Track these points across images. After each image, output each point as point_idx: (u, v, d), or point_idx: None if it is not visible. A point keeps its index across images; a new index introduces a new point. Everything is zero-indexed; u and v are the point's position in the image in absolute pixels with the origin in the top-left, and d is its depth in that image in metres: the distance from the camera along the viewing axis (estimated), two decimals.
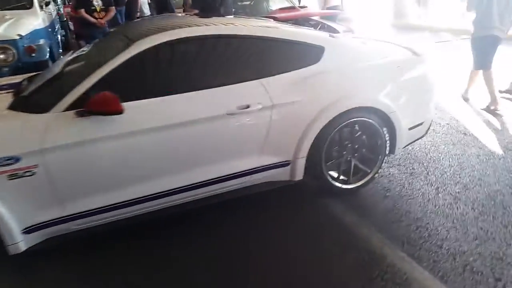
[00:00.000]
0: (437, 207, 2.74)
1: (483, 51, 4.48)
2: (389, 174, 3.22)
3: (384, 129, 2.83)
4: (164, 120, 2.25)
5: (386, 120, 2.81)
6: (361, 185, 2.93)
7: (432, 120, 3.25)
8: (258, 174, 2.62)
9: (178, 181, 2.39)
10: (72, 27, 9.00)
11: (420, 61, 3.02)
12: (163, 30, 2.41)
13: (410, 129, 3.00)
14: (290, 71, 2.59)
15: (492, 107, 4.50)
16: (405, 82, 2.88)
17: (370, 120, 2.76)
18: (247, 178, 2.59)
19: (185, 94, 2.33)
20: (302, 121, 2.59)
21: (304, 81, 2.59)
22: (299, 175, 2.72)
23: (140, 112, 2.22)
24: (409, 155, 3.55)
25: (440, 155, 3.52)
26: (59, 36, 7.51)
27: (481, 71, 4.60)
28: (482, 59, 4.50)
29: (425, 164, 3.36)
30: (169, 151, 2.32)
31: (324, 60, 2.69)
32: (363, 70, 2.78)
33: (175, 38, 2.37)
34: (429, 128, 3.21)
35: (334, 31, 5.12)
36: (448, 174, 3.18)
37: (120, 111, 2.07)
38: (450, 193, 2.89)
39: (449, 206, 2.74)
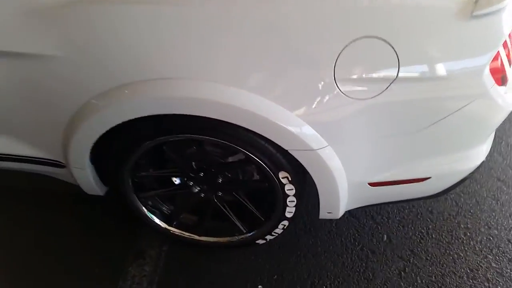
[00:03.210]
0: None
1: None
2: (329, 241, 1.60)
3: (283, 175, 1.18)
4: None
5: (291, 161, 1.14)
6: (223, 244, 1.47)
7: (475, 170, 1.33)
8: (22, 164, 1.38)
9: None
10: None
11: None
12: None
13: (374, 185, 1.25)
14: None
15: None
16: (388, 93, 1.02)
17: (247, 152, 1.14)
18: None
19: None
20: (60, 101, 1.15)
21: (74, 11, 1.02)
22: (93, 189, 1.40)
23: None
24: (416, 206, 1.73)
25: (463, 238, 1.64)
26: None
27: None
28: None
29: (421, 244, 1.58)
30: None
31: None
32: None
33: None
34: (451, 188, 1.34)
35: None
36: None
37: None
38: None
39: None
